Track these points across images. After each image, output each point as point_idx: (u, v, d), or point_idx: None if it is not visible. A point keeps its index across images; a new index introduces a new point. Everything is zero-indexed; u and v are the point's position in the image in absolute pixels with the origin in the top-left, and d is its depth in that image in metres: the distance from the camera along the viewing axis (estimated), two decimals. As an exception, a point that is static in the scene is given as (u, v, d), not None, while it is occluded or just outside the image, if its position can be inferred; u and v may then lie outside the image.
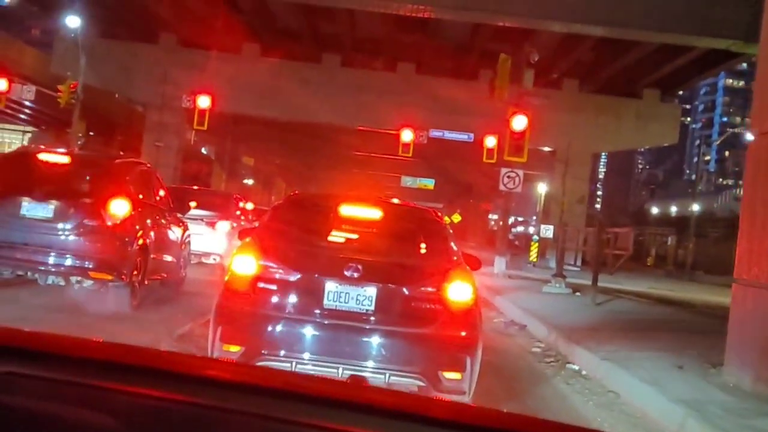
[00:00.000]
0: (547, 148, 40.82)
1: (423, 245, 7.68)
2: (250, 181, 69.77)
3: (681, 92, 53.63)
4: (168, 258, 13.01)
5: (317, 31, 38.48)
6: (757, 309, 9.12)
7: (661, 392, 8.43)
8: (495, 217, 67.09)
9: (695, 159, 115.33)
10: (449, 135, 40.41)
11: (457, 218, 50.37)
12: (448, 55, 39.04)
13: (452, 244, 7.50)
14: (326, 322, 6.62)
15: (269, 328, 6.64)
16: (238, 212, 21.48)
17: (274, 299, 6.69)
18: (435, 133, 39.09)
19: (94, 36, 35.82)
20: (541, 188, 48.53)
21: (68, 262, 10.48)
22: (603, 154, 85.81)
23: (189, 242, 14.59)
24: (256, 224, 9.54)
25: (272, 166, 72.00)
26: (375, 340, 6.64)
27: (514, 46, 29.70)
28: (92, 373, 1.60)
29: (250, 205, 24.80)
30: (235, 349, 6.61)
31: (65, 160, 11.78)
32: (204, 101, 31.22)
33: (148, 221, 11.86)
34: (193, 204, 16.00)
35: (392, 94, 38.14)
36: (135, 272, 11.13)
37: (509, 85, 24.85)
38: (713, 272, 40.41)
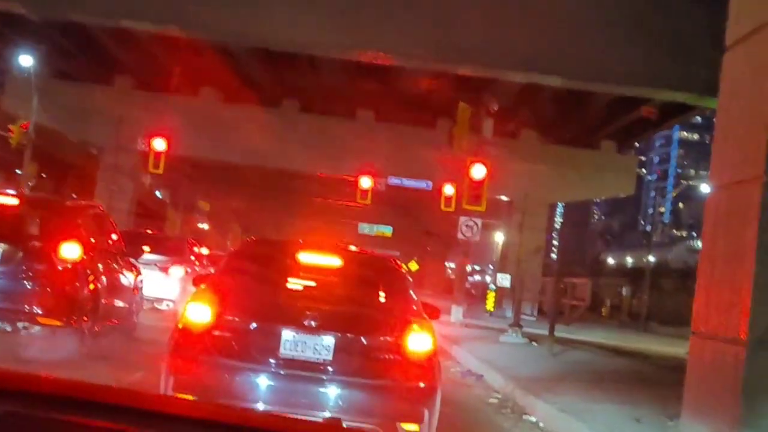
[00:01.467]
0: (504, 198, 40.98)
1: (382, 294, 7.55)
2: (205, 226, 69.27)
3: (637, 144, 54.28)
4: (120, 303, 12.72)
5: (277, 77, 38.43)
6: (714, 362, 9.06)
7: (619, 446, 8.35)
8: (452, 265, 67.09)
9: (650, 210, 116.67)
10: (408, 182, 40.50)
11: (414, 266, 50.22)
12: (407, 103, 39.16)
13: (411, 292, 7.39)
14: (282, 371, 6.47)
15: (224, 378, 6.46)
16: (192, 257, 21.23)
17: (229, 348, 6.51)
18: (393, 181, 39.17)
19: (47, 76, 35.38)
20: (498, 237, 48.66)
21: (15, 306, 10.17)
22: (560, 204, 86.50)
23: (141, 287, 14.31)
24: (212, 270, 9.34)
25: (228, 211, 71.65)
26: (332, 390, 6.50)
27: (474, 95, 29.88)
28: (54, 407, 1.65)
29: (204, 250, 24.54)
30: (188, 398, 6.40)
31: (14, 201, 11.51)
32: (159, 144, 30.77)
33: (100, 265, 11.61)
34: (146, 248, 15.71)
35: (351, 141, 38.11)
36: (85, 318, 10.82)
37: (468, 134, 24.97)
38: (667, 323, 40.59)
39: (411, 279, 8.04)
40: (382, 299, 7.54)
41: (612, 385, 13.24)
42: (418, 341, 6.68)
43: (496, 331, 22.55)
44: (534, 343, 20.03)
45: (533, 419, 10.61)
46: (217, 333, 6.56)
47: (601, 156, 41.49)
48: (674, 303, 44.79)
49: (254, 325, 6.62)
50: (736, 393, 8.29)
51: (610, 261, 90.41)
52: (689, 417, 9.30)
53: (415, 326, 6.76)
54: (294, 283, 7.55)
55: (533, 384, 12.53)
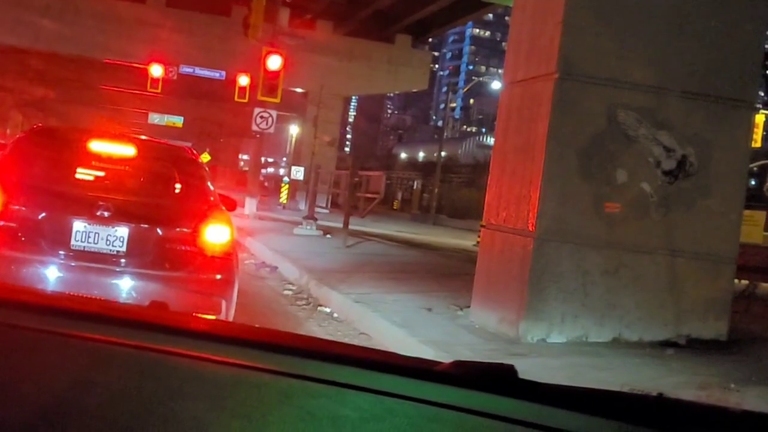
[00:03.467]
0: (299, 90, 40.73)
1: (178, 185, 7.33)
2: (-21, 113, 65.51)
3: (431, 40, 54.98)
4: None
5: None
6: (503, 253, 9.41)
7: (411, 334, 8.57)
8: (245, 157, 66.54)
9: (442, 106, 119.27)
10: (200, 72, 39.56)
11: (206, 158, 49.24)
12: (200, -11, 37.98)
13: (208, 183, 7.21)
14: (73, 263, 6.20)
15: (10, 269, 6.12)
16: (-30, 145, 19.99)
17: (16, 240, 6.17)
18: (186, 70, 38.11)
19: None
20: (293, 130, 48.50)
21: None
22: (354, 98, 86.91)
23: None
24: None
25: (8, 99, 67.93)
26: (126, 283, 6.31)
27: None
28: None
29: (-16, 138, 23.16)
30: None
31: None
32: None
33: None
34: None
35: (141, 28, 36.59)
36: None
37: (264, 24, 24.45)
38: (456, 216, 41.96)
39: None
40: (177, 190, 7.33)
41: (405, 276, 13.55)
42: (215, 233, 6.56)
43: (291, 224, 22.62)
44: (328, 236, 20.22)
45: (328, 310, 10.73)
46: (1, 223, 6.20)
47: (395, 50, 41.77)
48: (462, 197, 46.36)
49: (43, 215, 6.29)
50: (524, 282, 8.65)
51: (403, 155, 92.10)
52: (479, 306, 9.66)
53: (212, 218, 6.63)
54: (85, 173, 7.21)
55: (328, 275, 12.65)
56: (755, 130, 24.48)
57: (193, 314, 2.51)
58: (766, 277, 13.52)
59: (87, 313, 1.64)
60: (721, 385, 7.13)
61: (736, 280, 10.86)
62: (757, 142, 26.73)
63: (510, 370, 1.53)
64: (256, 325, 2.12)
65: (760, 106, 30.35)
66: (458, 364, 1.54)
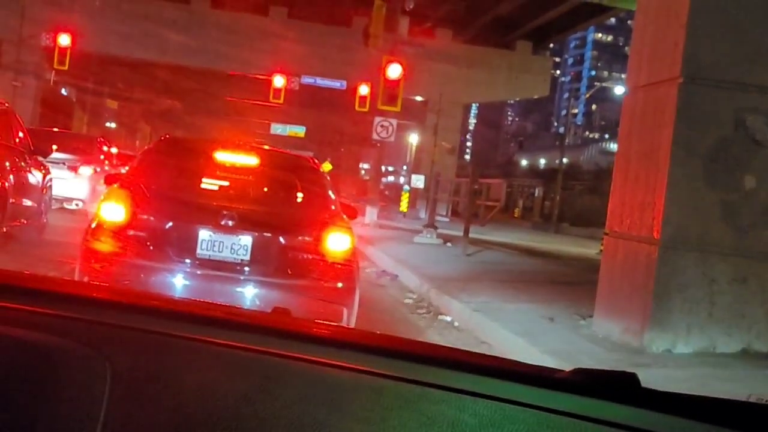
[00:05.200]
0: (419, 98, 40.83)
1: (300, 194, 7.45)
2: (113, 125, 67.77)
3: (552, 45, 54.44)
4: (28, 203, 12.36)
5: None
6: (627, 261, 9.23)
7: (532, 344, 8.47)
8: (366, 166, 67.05)
9: (563, 112, 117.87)
10: (321, 82, 40.02)
11: (327, 167, 49.87)
12: (321, 0, 38.49)
13: (330, 192, 7.30)
14: (199, 271, 6.36)
15: (138, 278, 6.31)
16: (102, 156, 20.72)
17: (144, 248, 6.36)
18: (307, 80, 38.64)
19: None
20: (413, 138, 48.63)
21: None
22: (474, 105, 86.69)
23: (51, 187, 13.94)
24: (123, 170, 9.08)
25: (137, 110, 70.09)
26: (249, 291, 6.44)
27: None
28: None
29: (114, 150, 23.96)
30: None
31: None
32: (64, 39, 29.64)
33: (7, 164, 11.22)
34: (54, 147, 15.25)
35: (264, 39, 37.34)
36: (-8, 218, 10.51)
37: (384, 33, 24.64)
38: (578, 224, 41.30)
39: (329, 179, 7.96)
40: (299, 199, 7.45)
41: (525, 285, 13.41)
42: (336, 241, 6.63)
43: (411, 232, 22.67)
44: (448, 244, 20.18)
45: (448, 318, 10.70)
46: (131, 233, 6.40)
47: (516, 56, 41.50)
48: (585, 204, 45.61)
49: (170, 224, 6.47)
50: (648, 291, 8.47)
51: (524, 162, 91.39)
52: (602, 316, 9.49)
53: (333, 226, 6.71)
54: (210, 183, 7.39)
55: (448, 284, 12.62)
56: None
57: (315, 321, 2.56)
58: None
59: (212, 318, 1.68)
60: None
61: None
62: None
63: (631, 378, 1.50)
64: (377, 332, 2.13)
65: None
66: (578, 372, 1.52)
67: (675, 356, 8.26)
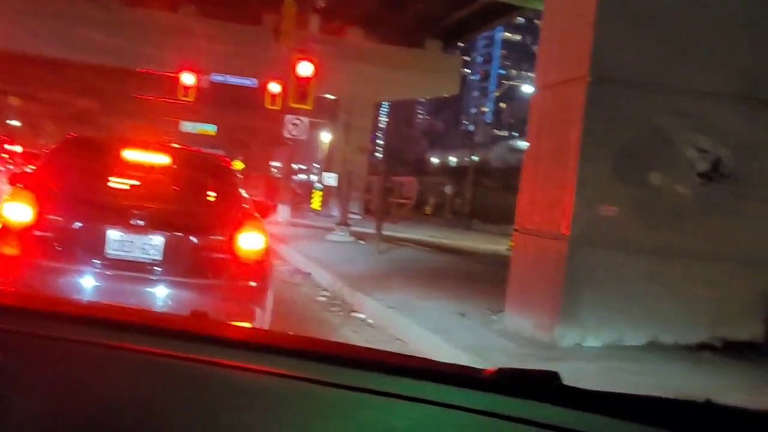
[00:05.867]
0: (330, 96, 40.75)
1: (212, 193, 7.37)
2: (16, 123, 66.19)
3: (461, 44, 54.83)
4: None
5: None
6: (537, 257, 9.37)
7: (445, 340, 8.55)
8: (278, 164, 66.75)
9: (473, 110, 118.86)
10: (232, 80, 39.66)
11: (239, 165, 49.59)
12: (231, -2, 38.13)
13: (242, 191, 7.24)
14: (109, 272, 6.24)
15: (45, 280, 6.17)
16: (5, 155, 20.23)
17: (51, 249, 6.23)
18: (217, 78, 38.24)
19: None
20: (324, 136, 48.55)
21: None
22: (385, 103, 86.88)
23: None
24: (28, 169, 8.86)
25: (42, 108, 68.58)
26: (161, 291, 6.35)
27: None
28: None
29: (18, 148, 23.40)
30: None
31: None
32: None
33: None
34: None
35: (173, 36, 36.77)
36: None
37: (295, 31, 24.53)
38: (489, 221, 41.75)
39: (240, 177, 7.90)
40: (211, 198, 7.37)
41: (437, 282, 13.49)
42: (249, 240, 6.59)
43: (323, 230, 22.64)
44: (361, 242, 20.22)
45: (362, 316, 10.74)
46: (38, 233, 6.26)
47: (426, 55, 41.62)
48: (495, 201, 46.08)
49: (78, 224, 6.35)
50: (558, 286, 8.61)
51: (434, 160, 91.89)
52: (513, 311, 9.62)
53: (246, 225, 6.66)
54: (119, 182, 7.27)
55: (361, 281, 12.66)
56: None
57: (230, 323, 2.53)
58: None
59: (130, 323, 1.65)
60: (762, 389, 7.06)
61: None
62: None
63: (554, 377, 1.51)
64: (291, 333, 2.12)
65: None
66: (503, 371, 1.53)
67: (585, 350, 8.42)
